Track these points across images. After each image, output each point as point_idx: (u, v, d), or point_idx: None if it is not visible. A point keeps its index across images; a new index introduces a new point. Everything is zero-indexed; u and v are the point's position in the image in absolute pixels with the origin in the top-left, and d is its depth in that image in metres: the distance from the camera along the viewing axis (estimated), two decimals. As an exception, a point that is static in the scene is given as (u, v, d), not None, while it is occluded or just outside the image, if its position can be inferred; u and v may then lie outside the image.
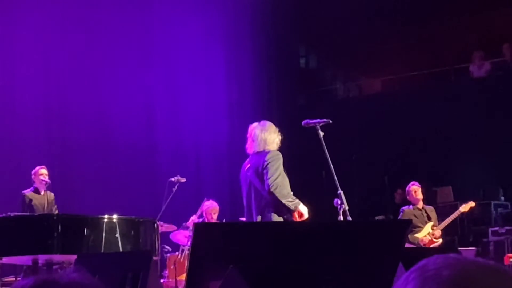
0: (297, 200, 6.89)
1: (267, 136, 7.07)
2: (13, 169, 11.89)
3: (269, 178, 6.75)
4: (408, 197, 10.80)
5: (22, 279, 1.42)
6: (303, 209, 6.90)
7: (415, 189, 10.68)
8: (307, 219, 6.95)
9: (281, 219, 6.80)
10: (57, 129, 13.22)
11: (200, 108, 15.15)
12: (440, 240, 10.48)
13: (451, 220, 10.75)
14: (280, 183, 6.76)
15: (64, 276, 1.39)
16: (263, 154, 6.96)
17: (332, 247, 4.09)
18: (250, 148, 7.14)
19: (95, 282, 1.42)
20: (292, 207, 6.81)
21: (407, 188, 10.83)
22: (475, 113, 14.81)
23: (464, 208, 10.85)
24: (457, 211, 10.83)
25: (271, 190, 6.71)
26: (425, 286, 1.32)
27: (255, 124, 7.24)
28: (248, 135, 7.20)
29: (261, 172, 6.84)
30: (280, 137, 7.20)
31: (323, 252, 4.02)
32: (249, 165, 7.08)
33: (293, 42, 17.66)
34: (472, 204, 10.92)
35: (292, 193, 7.00)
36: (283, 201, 6.75)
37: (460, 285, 1.31)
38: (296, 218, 6.86)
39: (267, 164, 6.82)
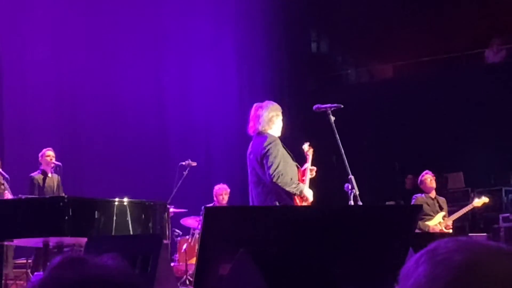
0: (300, 185, 6.81)
1: (262, 113, 6.90)
2: (24, 152, 11.93)
3: (269, 168, 6.64)
4: (421, 185, 10.67)
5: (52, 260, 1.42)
6: (308, 193, 6.85)
7: (430, 178, 10.56)
8: (312, 202, 6.90)
9: None
10: (68, 113, 13.26)
11: (211, 92, 15.14)
12: (451, 231, 10.44)
13: (463, 213, 10.71)
14: (282, 171, 6.65)
15: (96, 259, 1.38)
16: (261, 139, 6.83)
17: (343, 232, 4.09)
18: (249, 128, 7.05)
19: (126, 267, 1.40)
20: (297, 193, 6.75)
21: (420, 177, 10.70)
22: (487, 99, 14.76)
23: (478, 203, 10.75)
24: (470, 205, 10.77)
25: (274, 180, 6.62)
26: (436, 270, 1.31)
27: (256, 104, 7.15)
28: (250, 115, 7.12)
29: (260, 160, 6.76)
30: (280, 116, 7.00)
31: (333, 237, 4.02)
32: (250, 150, 7.00)
33: (304, 27, 17.60)
34: (485, 200, 10.80)
35: (295, 171, 6.92)
36: (287, 189, 6.67)
37: (472, 270, 1.30)
38: (297, 202, 6.79)
39: (266, 152, 6.70)
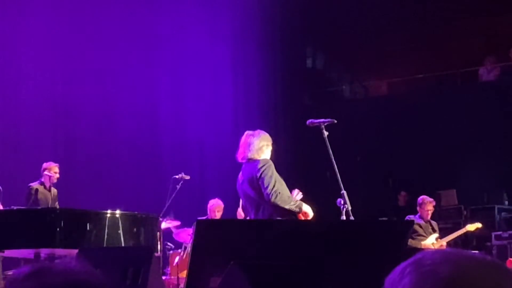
0: (299, 202, 6.82)
1: (253, 141, 6.91)
2: (18, 164, 11.90)
3: (267, 188, 6.64)
4: (419, 208, 10.74)
5: (23, 267, 1.43)
6: (307, 209, 6.85)
7: (430, 209, 10.64)
8: (312, 218, 6.89)
9: None
10: (62, 125, 13.23)
11: (205, 106, 15.13)
12: None
13: (455, 236, 10.83)
14: (279, 189, 6.68)
15: (60, 264, 1.40)
16: (252, 164, 6.84)
17: (334, 246, 4.09)
18: (238, 154, 7.05)
19: (92, 270, 1.41)
20: (297, 210, 6.75)
21: (421, 200, 10.75)
22: (481, 117, 14.78)
23: (471, 227, 10.96)
24: (463, 229, 10.99)
25: (272, 200, 6.61)
26: (421, 282, 1.31)
27: (247, 132, 7.17)
28: (240, 142, 7.13)
29: (256, 183, 6.76)
30: (270, 147, 7.01)
31: (325, 251, 4.02)
32: (242, 178, 6.99)
33: (300, 42, 17.64)
34: (478, 225, 11.01)
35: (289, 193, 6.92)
36: (287, 207, 6.67)
37: (458, 283, 1.29)
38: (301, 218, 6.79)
39: (261, 174, 6.70)
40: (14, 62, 12.82)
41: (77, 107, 13.34)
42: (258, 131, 7.13)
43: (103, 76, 13.62)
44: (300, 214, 6.76)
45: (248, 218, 7.01)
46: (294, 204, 6.72)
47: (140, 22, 14.33)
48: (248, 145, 6.94)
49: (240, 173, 7.05)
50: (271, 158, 7.05)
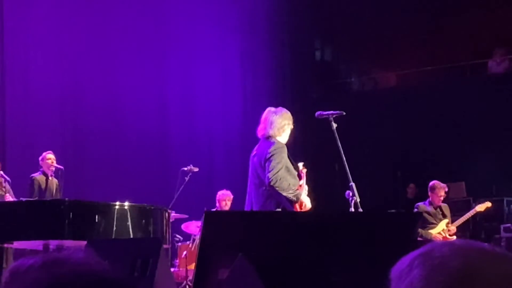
0: (298, 191, 6.82)
1: (275, 120, 6.93)
2: (26, 155, 11.94)
3: (270, 171, 6.67)
4: (430, 193, 10.42)
5: (29, 258, 1.43)
6: (306, 200, 6.86)
7: (442, 195, 10.39)
8: (309, 209, 6.89)
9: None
10: (71, 117, 13.25)
11: (214, 98, 15.14)
12: (455, 237, 10.44)
13: (466, 219, 10.73)
14: (281, 176, 6.67)
15: (69, 255, 1.40)
16: (268, 143, 6.87)
17: (342, 237, 4.09)
18: (259, 130, 7.08)
19: (100, 262, 1.42)
20: (294, 199, 6.76)
21: (432, 184, 10.46)
22: (489, 109, 14.75)
23: (480, 207, 10.79)
24: (472, 210, 10.80)
25: (271, 184, 6.65)
26: (431, 275, 1.30)
27: (269, 108, 7.17)
28: (261, 118, 7.14)
29: (263, 163, 6.79)
30: (291, 126, 7.04)
31: (333, 242, 4.02)
32: (256, 152, 7.02)
33: (308, 35, 17.62)
34: (488, 204, 10.84)
35: (297, 181, 6.92)
36: (284, 194, 6.69)
37: (469, 275, 1.29)
38: (297, 209, 6.80)
39: (270, 157, 6.73)
40: (23, 53, 12.85)
41: (86, 99, 13.37)
42: (280, 108, 7.14)
43: (112, 68, 13.64)
44: (296, 205, 6.78)
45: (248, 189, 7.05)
46: (292, 193, 6.72)
47: (150, 14, 14.34)
48: (270, 123, 6.95)
49: (256, 146, 7.09)
50: (289, 138, 7.06)
